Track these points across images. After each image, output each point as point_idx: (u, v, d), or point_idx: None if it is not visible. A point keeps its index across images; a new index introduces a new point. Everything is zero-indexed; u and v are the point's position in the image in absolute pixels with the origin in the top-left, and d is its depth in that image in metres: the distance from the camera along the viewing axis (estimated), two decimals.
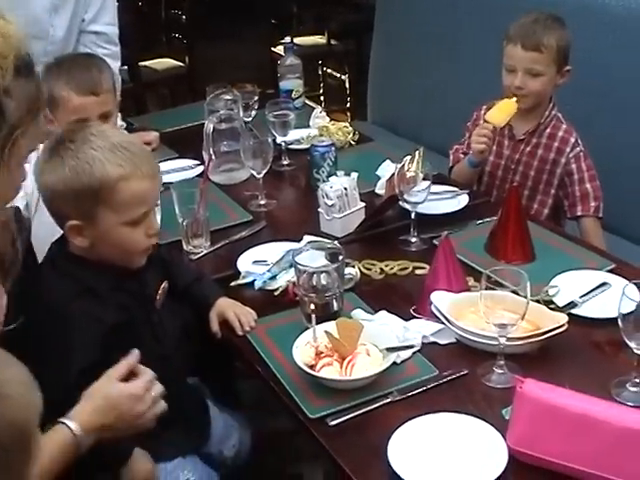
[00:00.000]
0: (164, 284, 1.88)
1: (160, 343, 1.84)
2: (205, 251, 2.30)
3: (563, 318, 1.79)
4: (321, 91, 6.13)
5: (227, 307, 1.98)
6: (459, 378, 1.74)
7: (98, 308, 1.70)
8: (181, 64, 5.57)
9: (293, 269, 1.95)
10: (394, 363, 1.74)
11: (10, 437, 0.98)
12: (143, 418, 1.57)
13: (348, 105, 5.98)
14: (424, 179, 2.23)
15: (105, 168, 1.65)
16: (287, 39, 3.45)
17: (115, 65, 2.86)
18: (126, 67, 4.83)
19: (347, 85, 6.05)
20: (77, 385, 1.60)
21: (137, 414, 1.56)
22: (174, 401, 1.84)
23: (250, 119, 3.02)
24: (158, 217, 2.03)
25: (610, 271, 2.08)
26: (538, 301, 1.90)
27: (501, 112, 2.54)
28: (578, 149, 2.60)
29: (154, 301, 1.85)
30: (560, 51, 2.51)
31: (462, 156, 2.77)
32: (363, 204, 2.38)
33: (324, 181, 2.45)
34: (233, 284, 2.12)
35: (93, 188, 1.65)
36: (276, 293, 2.06)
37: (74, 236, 1.72)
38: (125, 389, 1.56)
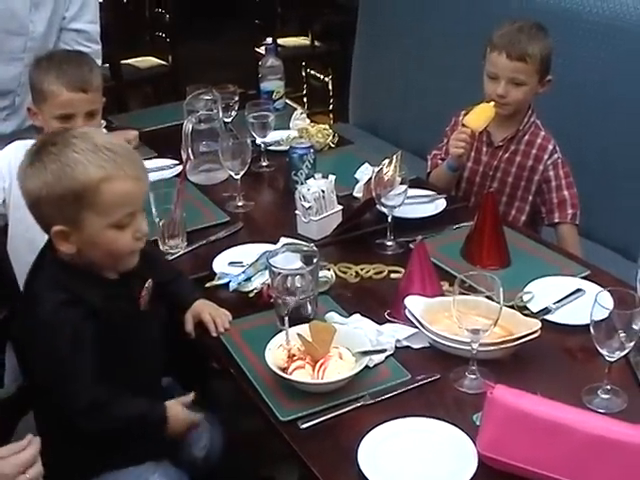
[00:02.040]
0: (148, 283, 1.85)
1: (140, 345, 1.83)
2: (181, 251, 2.29)
3: (536, 324, 1.79)
4: (304, 92, 6.13)
5: (203, 308, 1.97)
6: (431, 383, 1.74)
7: (87, 317, 1.68)
8: (164, 63, 5.55)
9: (268, 271, 1.94)
10: (366, 367, 1.74)
11: None
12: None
13: (331, 107, 5.99)
14: (401, 183, 2.24)
15: (87, 170, 1.62)
16: (269, 40, 3.41)
17: None
18: (107, 65, 4.81)
19: (330, 87, 6.05)
20: (94, 384, 1.69)
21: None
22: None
23: (230, 120, 3.02)
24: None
25: (585, 278, 2.09)
26: (512, 307, 1.90)
27: (479, 117, 2.54)
28: (556, 156, 2.61)
29: (139, 302, 1.83)
30: (543, 61, 2.51)
31: (440, 162, 2.77)
32: (340, 207, 2.38)
33: (302, 183, 2.45)
34: (208, 285, 2.11)
35: (76, 191, 1.62)
36: (251, 295, 2.05)
37: (60, 242, 1.68)
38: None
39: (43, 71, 2.22)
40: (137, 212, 1.73)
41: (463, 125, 2.58)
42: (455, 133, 2.60)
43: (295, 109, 3.23)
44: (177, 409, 1.81)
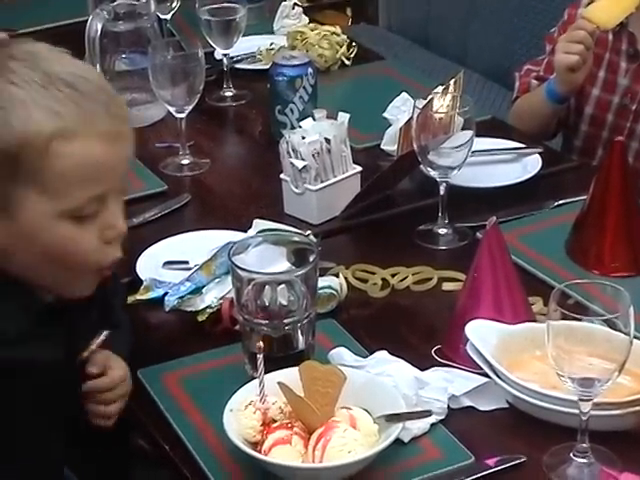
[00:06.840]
0: (104, 335, 1.85)
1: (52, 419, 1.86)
2: None
3: None
4: None
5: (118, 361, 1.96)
6: (512, 470, 1.77)
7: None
8: None
9: (230, 277, 1.98)
10: (399, 442, 1.77)
11: None
12: None
13: None
14: (464, 127, 2.26)
15: (31, 117, 1.60)
16: None
17: None
18: None
19: None
20: None
21: None
22: None
23: (169, 16, 3.05)
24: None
25: None
26: None
27: (611, 5, 2.56)
28: None
29: (76, 358, 1.84)
30: None
31: (536, 82, 2.80)
32: (358, 168, 2.43)
33: (293, 127, 2.48)
34: (129, 301, 2.15)
35: (8, 151, 1.60)
36: (201, 318, 2.09)
37: None
38: None
39: None
40: (109, 195, 1.70)
41: (583, 19, 2.60)
42: (569, 30, 2.62)
43: None
44: None
